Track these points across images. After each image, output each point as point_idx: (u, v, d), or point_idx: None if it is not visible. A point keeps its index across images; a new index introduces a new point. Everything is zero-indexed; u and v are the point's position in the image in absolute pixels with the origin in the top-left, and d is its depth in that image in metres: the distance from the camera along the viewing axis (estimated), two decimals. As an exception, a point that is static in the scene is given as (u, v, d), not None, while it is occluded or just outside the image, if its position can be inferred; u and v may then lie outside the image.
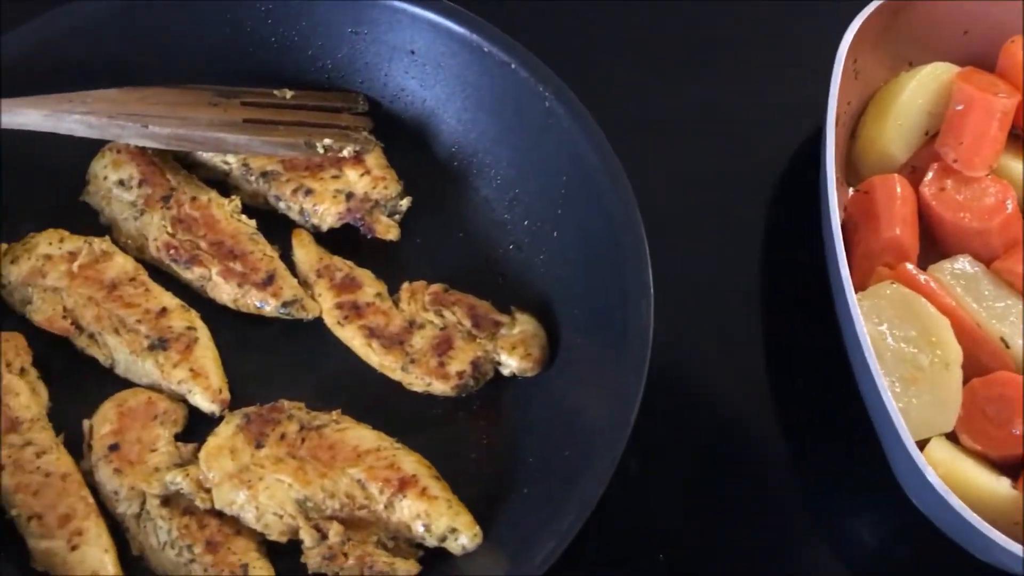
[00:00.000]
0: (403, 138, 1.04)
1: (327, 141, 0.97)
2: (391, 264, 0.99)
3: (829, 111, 0.94)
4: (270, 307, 0.94)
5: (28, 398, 0.87)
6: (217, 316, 0.95)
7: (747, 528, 0.93)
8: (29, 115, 0.90)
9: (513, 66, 0.96)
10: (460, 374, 0.90)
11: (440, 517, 0.83)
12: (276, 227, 0.99)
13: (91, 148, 0.99)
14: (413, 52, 1.01)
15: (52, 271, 0.92)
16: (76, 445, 0.88)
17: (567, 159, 0.94)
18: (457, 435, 0.92)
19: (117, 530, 0.85)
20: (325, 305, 0.94)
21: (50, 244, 0.93)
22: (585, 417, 0.85)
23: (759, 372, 1.01)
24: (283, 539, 0.83)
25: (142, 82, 0.98)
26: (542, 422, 0.90)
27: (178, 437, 0.89)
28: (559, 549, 0.75)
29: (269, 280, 0.94)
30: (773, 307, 1.05)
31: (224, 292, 0.95)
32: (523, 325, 0.93)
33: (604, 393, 0.84)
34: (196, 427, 0.91)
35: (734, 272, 1.06)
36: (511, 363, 0.91)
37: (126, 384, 0.92)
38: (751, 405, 1.00)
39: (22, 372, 0.89)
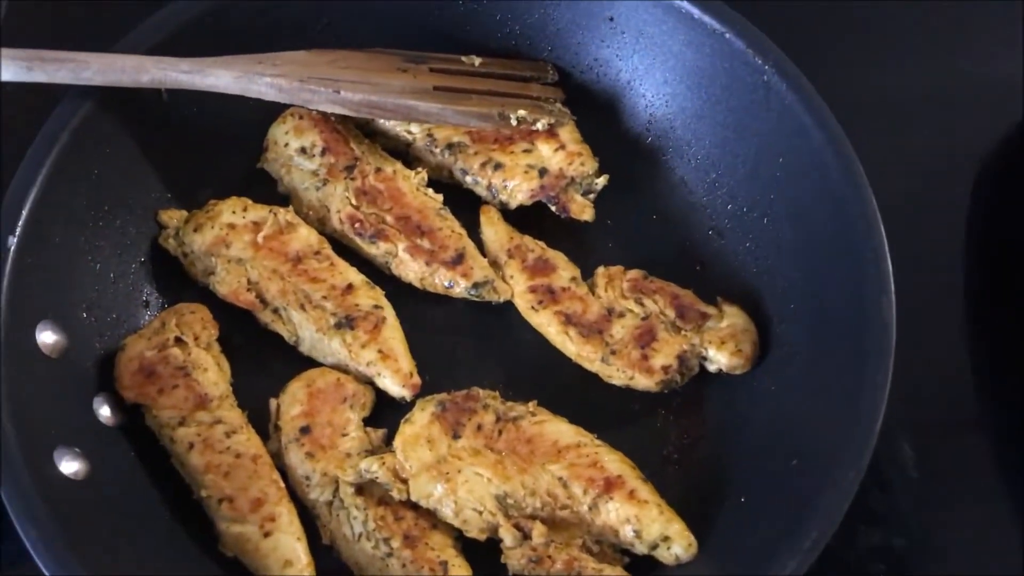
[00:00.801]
0: (594, 112, 0.97)
1: (521, 113, 0.91)
2: (580, 246, 0.93)
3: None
4: (460, 288, 0.88)
5: (216, 374, 0.83)
6: (400, 294, 0.90)
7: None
8: (220, 76, 0.85)
9: (728, 35, 0.88)
10: (665, 368, 0.84)
11: (652, 523, 0.77)
12: (460, 203, 0.94)
13: (270, 112, 0.95)
14: (612, 19, 0.94)
15: (236, 241, 0.88)
16: (258, 424, 0.84)
17: (786, 139, 0.86)
18: (657, 433, 0.86)
19: (304, 516, 0.81)
20: (517, 288, 0.89)
21: (233, 213, 0.89)
22: (813, 424, 0.78)
23: (965, 370, 0.93)
24: (482, 537, 0.78)
25: (323, 44, 0.93)
26: (754, 425, 0.83)
27: (364, 422, 0.85)
28: (801, 570, 0.68)
29: (459, 259, 0.89)
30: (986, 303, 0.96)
31: (411, 270, 0.89)
32: (732, 318, 0.86)
33: (835, 399, 0.76)
34: (380, 411, 0.87)
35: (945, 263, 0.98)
36: (720, 359, 0.84)
37: (307, 362, 0.88)
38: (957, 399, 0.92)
39: (208, 347, 0.85)
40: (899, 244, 0.92)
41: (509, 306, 0.90)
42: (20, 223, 0.79)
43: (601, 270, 0.90)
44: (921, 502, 0.87)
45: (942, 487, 0.88)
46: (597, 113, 0.97)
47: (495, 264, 0.90)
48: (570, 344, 0.86)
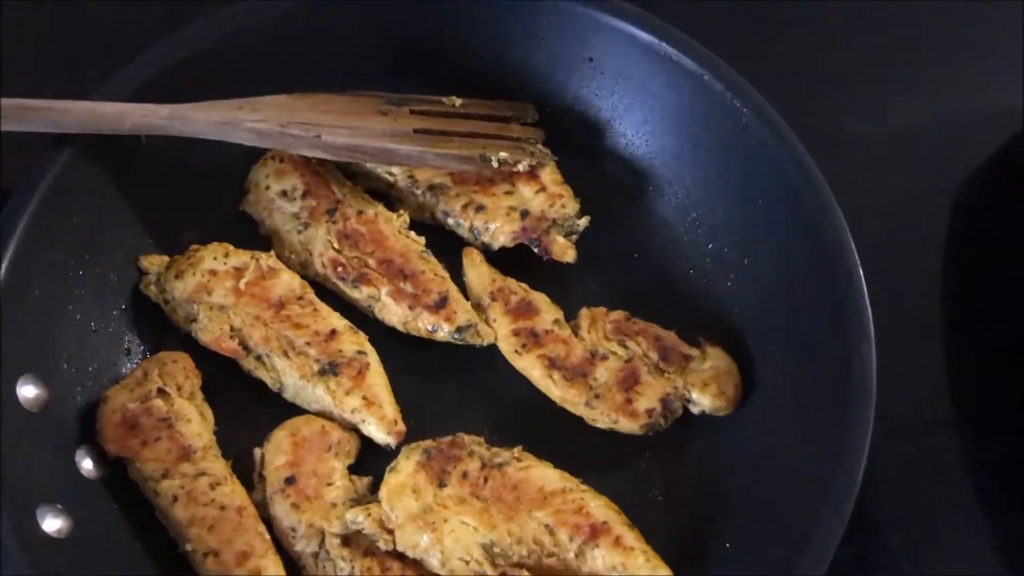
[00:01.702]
0: (574, 152, 0.97)
1: (503, 155, 0.91)
2: (562, 287, 0.94)
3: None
4: (443, 332, 0.88)
5: (200, 424, 0.83)
6: (383, 338, 0.90)
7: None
8: (201, 123, 0.85)
9: (706, 78, 0.88)
10: (649, 412, 0.84)
11: (638, 570, 0.77)
12: (442, 244, 0.94)
13: (251, 154, 0.94)
14: (591, 59, 0.94)
15: (218, 287, 0.88)
16: (242, 472, 0.84)
17: (765, 180, 0.87)
18: (642, 476, 0.86)
19: (290, 567, 0.80)
20: (501, 331, 0.89)
21: (215, 259, 0.89)
22: (797, 465, 0.78)
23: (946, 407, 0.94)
24: (469, 586, 0.78)
25: (304, 87, 0.93)
26: (738, 467, 0.84)
27: (348, 469, 0.84)
28: (786, 616, 0.69)
29: (442, 303, 0.89)
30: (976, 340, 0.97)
31: (394, 314, 0.89)
32: (714, 360, 0.86)
33: (818, 442, 0.77)
34: (365, 457, 0.86)
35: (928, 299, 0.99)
36: (703, 401, 0.85)
37: (291, 409, 0.87)
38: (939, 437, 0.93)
39: (191, 396, 0.84)
40: (877, 250, 0.93)
41: (493, 349, 0.90)
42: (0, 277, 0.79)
43: (584, 311, 0.90)
44: (896, 504, 0.88)
45: (916, 489, 0.89)
46: (578, 153, 0.98)
47: (478, 307, 0.90)
48: (554, 388, 0.86)
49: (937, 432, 0.94)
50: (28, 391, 0.79)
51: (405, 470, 0.81)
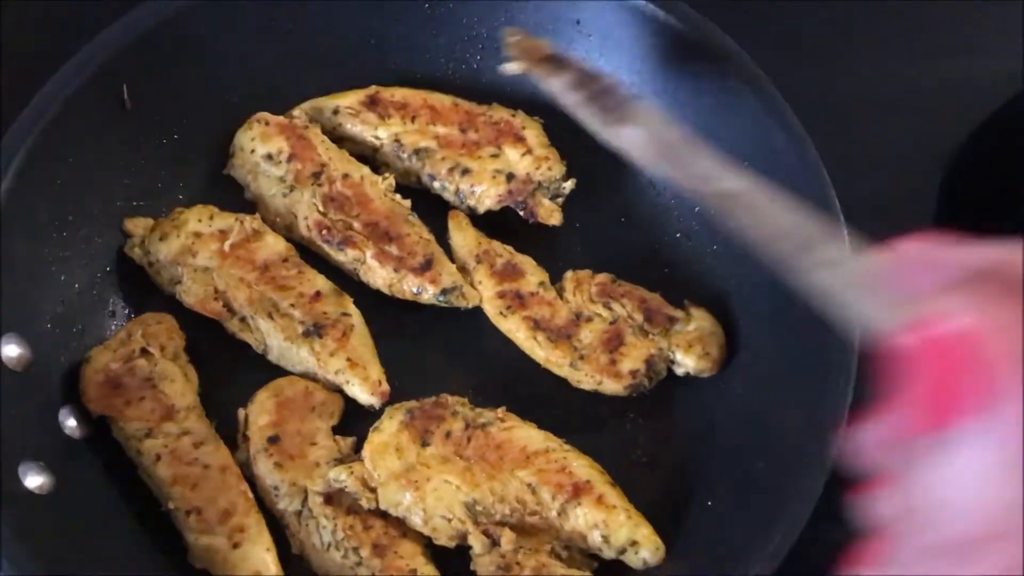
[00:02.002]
0: (560, 115, 0.96)
1: None
2: (548, 250, 0.93)
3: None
4: (428, 294, 0.88)
5: (183, 385, 0.83)
6: (368, 301, 0.90)
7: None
8: None
9: (692, 39, 0.88)
10: (633, 373, 0.84)
11: (620, 528, 0.77)
12: (428, 208, 0.93)
13: (235, 118, 0.94)
14: (578, 21, 0.94)
15: (203, 249, 0.87)
16: (226, 434, 0.84)
17: (750, 142, 0.86)
18: (626, 437, 0.86)
19: (274, 526, 0.80)
20: (486, 294, 0.89)
21: (199, 221, 0.89)
22: (779, 426, 0.78)
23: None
24: (451, 544, 0.78)
25: (290, 50, 0.93)
26: (722, 428, 0.84)
27: (333, 430, 0.85)
28: (766, 572, 0.69)
29: (427, 265, 0.89)
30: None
31: (379, 276, 0.89)
32: (699, 321, 0.86)
33: (801, 401, 0.77)
34: (349, 419, 0.87)
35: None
36: (687, 363, 0.85)
37: (276, 371, 0.87)
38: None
39: (174, 357, 0.84)
40: (869, 214, 0.93)
41: (478, 312, 0.90)
42: (-19, 237, 0.78)
43: (569, 274, 0.90)
44: None
45: None
46: (564, 116, 0.97)
47: (463, 270, 0.90)
48: (539, 349, 0.86)
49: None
50: (11, 350, 0.78)
51: (388, 429, 0.81)
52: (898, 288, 0.46)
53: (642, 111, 0.67)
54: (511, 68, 0.81)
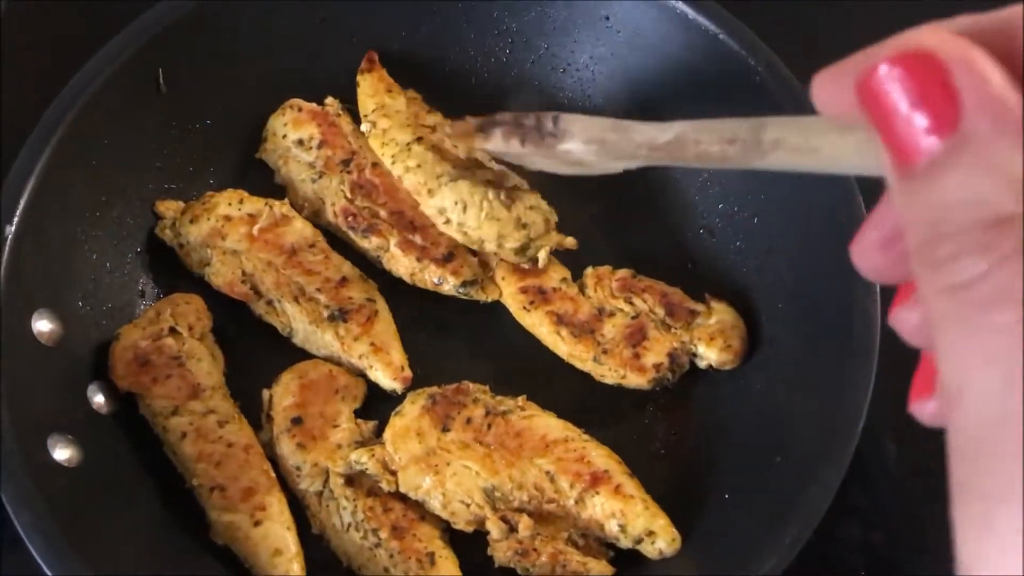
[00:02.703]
0: (588, 111, 0.98)
1: None
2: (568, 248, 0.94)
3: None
4: (449, 285, 0.89)
5: (210, 364, 0.84)
6: (391, 289, 0.91)
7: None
8: None
9: (721, 37, 0.88)
10: (657, 367, 0.85)
11: (636, 518, 0.78)
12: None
13: (268, 103, 0.96)
14: (607, 18, 0.95)
15: (232, 233, 0.89)
16: (250, 414, 0.85)
17: (777, 140, 0.87)
18: (645, 429, 0.87)
19: (295, 506, 0.82)
20: (508, 289, 0.89)
21: (230, 205, 0.90)
22: (797, 421, 0.79)
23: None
24: (469, 529, 0.79)
25: (321, 41, 0.94)
26: (740, 422, 0.84)
27: (355, 414, 0.86)
28: (781, 566, 0.69)
29: (450, 256, 0.89)
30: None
31: (401, 265, 0.90)
32: (721, 315, 0.87)
33: (820, 397, 0.77)
34: (371, 403, 0.88)
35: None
36: (710, 355, 0.85)
37: (300, 354, 0.89)
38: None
39: (202, 337, 0.86)
40: None
41: (500, 305, 0.90)
42: (18, 212, 0.80)
43: (590, 271, 0.90)
44: (901, 498, 0.88)
45: (923, 483, 0.88)
46: (591, 112, 0.98)
47: (485, 264, 0.91)
48: (562, 344, 0.87)
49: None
50: (43, 325, 0.80)
51: (410, 414, 0.82)
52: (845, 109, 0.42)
53: (569, 123, 0.67)
54: (463, 150, 0.83)
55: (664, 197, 0.96)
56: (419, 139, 0.89)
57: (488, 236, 0.85)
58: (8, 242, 0.78)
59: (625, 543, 0.78)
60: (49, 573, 0.69)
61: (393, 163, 0.89)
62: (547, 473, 0.80)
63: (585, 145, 0.66)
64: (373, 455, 0.79)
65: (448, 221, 0.86)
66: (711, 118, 0.92)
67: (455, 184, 0.85)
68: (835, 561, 0.85)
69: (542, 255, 0.87)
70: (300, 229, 0.90)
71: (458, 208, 0.85)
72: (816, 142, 0.48)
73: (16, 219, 0.79)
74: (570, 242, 0.89)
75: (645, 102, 0.96)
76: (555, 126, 0.68)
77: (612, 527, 0.78)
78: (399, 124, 0.91)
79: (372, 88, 0.94)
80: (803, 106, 0.84)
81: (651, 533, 0.78)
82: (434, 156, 0.87)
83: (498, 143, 0.71)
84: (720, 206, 0.93)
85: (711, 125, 0.54)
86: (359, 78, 0.95)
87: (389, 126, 0.91)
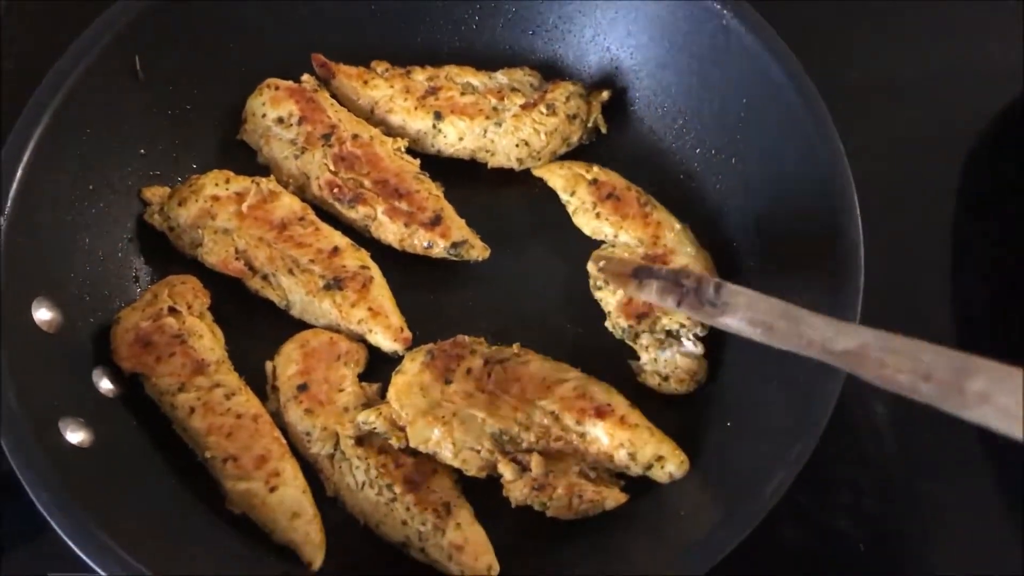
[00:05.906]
0: (560, 69, 1.00)
1: None
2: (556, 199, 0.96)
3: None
4: (439, 248, 0.91)
5: (211, 340, 0.85)
6: (380, 256, 0.92)
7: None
8: None
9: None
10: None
11: (644, 445, 0.80)
12: (436, 168, 0.96)
13: (244, 86, 0.97)
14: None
15: (221, 212, 0.90)
16: (254, 387, 0.86)
17: (748, 79, 0.89)
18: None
19: (307, 472, 0.83)
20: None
21: (216, 185, 0.91)
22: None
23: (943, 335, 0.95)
24: (481, 475, 0.81)
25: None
26: (732, 359, 0.86)
27: (359, 378, 0.87)
28: (788, 480, 0.71)
29: (436, 220, 0.91)
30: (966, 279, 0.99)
31: (390, 232, 0.92)
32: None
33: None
34: (373, 366, 0.89)
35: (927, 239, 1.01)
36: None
37: (299, 326, 0.90)
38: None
39: (200, 315, 0.87)
40: (889, 218, 0.92)
41: (489, 264, 0.92)
42: (7, 205, 0.80)
43: None
44: (892, 463, 0.90)
45: (913, 448, 0.91)
46: (563, 70, 1.00)
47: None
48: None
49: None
50: (43, 314, 0.81)
51: (411, 371, 0.83)
52: None
53: (733, 296, 0.67)
54: (604, 291, 0.89)
55: (642, 147, 0.99)
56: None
57: (558, 147, 0.96)
58: (1, 234, 0.79)
59: (636, 470, 0.80)
60: (75, 549, 0.70)
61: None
62: (551, 413, 0.81)
63: (750, 327, 0.66)
64: (381, 414, 0.81)
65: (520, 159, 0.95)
66: (682, 64, 0.95)
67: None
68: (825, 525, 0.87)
69: (600, 120, 0.97)
70: (288, 204, 0.91)
71: (523, 147, 0.94)
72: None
73: (6, 211, 0.80)
74: (605, 95, 0.97)
75: (615, 57, 0.98)
76: (716, 295, 0.68)
77: (622, 456, 0.80)
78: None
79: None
80: (772, 44, 0.87)
81: (660, 458, 0.80)
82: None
83: (652, 296, 0.73)
84: (697, 151, 0.96)
85: (900, 346, 0.50)
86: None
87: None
